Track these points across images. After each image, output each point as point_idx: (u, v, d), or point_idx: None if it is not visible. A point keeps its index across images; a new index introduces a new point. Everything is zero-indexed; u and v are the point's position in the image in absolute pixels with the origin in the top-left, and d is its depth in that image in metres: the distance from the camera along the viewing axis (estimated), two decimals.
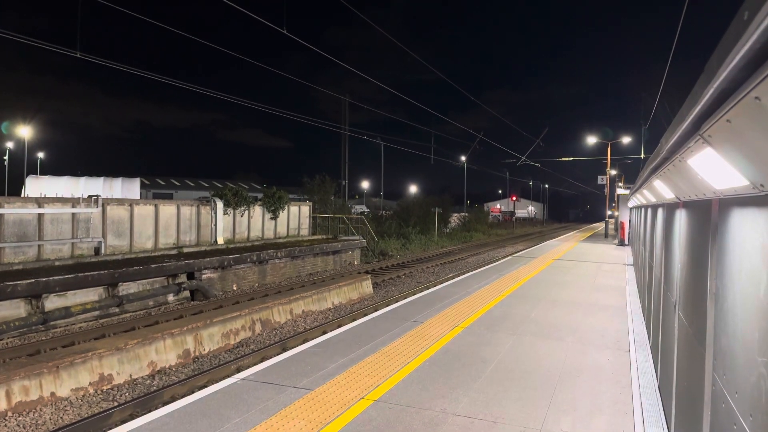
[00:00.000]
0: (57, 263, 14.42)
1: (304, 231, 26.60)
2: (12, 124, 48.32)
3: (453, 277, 18.14)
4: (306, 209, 27.13)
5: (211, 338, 10.77)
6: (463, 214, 57.57)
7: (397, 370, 6.59)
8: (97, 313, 12.90)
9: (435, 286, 15.41)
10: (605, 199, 43.50)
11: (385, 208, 53.29)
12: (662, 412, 5.47)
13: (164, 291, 14.87)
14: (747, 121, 1.56)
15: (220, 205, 20.69)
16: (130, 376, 8.87)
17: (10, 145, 52.19)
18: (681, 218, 4.53)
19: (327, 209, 32.91)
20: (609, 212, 42.22)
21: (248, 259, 18.09)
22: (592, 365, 7.02)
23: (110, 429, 5.72)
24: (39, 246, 14.66)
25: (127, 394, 8.32)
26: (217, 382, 6.71)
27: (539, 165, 53.30)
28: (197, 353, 10.31)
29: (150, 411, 6.28)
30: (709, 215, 3.03)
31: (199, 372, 9.26)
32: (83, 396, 8.03)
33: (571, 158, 49.94)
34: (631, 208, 25.00)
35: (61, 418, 7.33)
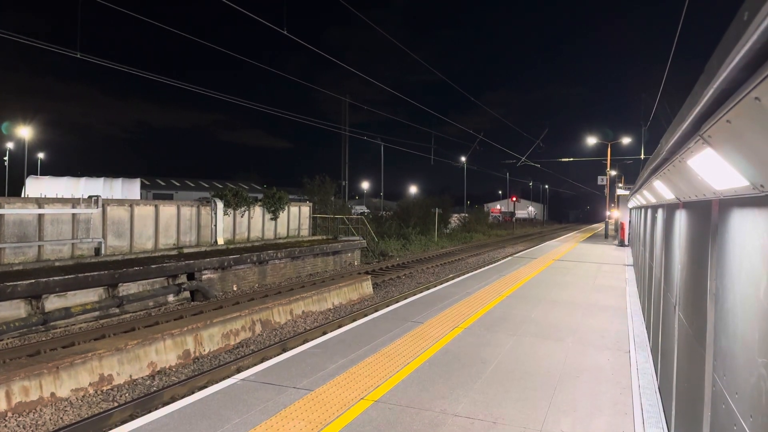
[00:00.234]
0: (57, 264, 14.42)
1: (304, 231, 26.60)
2: (12, 124, 48.34)
3: (453, 278, 18.14)
4: (306, 210, 27.13)
5: (211, 339, 10.77)
6: (463, 214, 57.57)
7: (397, 371, 6.58)
8: (97, 313, 12.90)
9: (435, 286, 15.41)
10: (605, 200, 43.49)
11: (385, 208, 53.30)
12: (662, 413, 5.47)
13: (164, 291, 14.87)
14: (747, 121, 1.56)
15: (220, 205, 20.70)
16: (130, 376, 8.87)
17: (10, 145, 52.21)
18: (681, 219, 4.53)
19: (327, 210, 32.91)
20: (608, 213, 42.23)
21: (248, 260, 18.09)
22: (592, 366, 7.02)
23: (110, 429, 5.72)
24: (39, 246, 14.66)
25: (127, 395, 8.32)
26: (217, 382, 6.71)
27: (539, 166, 53.33)
28: (197, 354, 10.30)
29: (150, 411, 6.27)
30: (709, 216, 3.03)
31: (199, 372, 9.26)
32: (83, 396, 8.03)
33: (571, 159, 49.97)
34: (631, 209, 25.00)
35: (61, 418, 7.33)
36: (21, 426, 6.97)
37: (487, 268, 18.70)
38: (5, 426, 6.89)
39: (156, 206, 18.25)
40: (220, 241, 20.61)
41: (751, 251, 2.07)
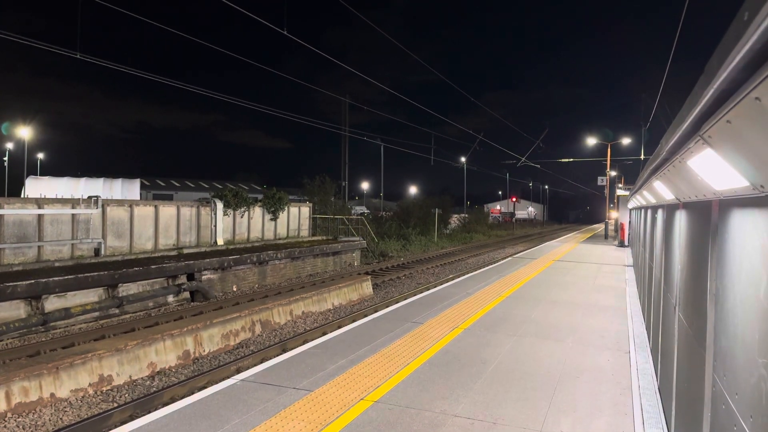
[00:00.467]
0: (57, 264, 14.42)
1: (304, 232, 26.60)
2: (12, 124, 48.36)
3: (453, 278, 18.14)
4: (306, 210, 27.13)
5: (211, 339, 10.76)
6: (463, 215, 57.59)
7: (396, 371, 6.58)
8: (96, 314, 12.89)
9: (435, 287, 15.40)
10: (605, 201, 43.50)
11: (385, 209, 53.32)
12: (662, 414, 5.47)
13: (164, 292, 14.87)
14: (747, 121, 1.56)
15: (220, 206, 20.70)
16: (130, 377, 8.86)
17: (10, 145, 52.22)
18: (681, 219, 4.53)
19: (327, 210, 32.90)
20: (607, 213, 42.27)
21: (248, 260, 18.09)
22: (592, 366, 7.02)
23: (110, 430, 5.72)
24: (39, 247, 14.66)
25: (126, 395, 8.31)
26: (217, 383, 6.70)
27: (539, 166, 53.39)
28: (197, 354, 10.30)
29: (150, 412, 6.27)
30: (709, 216, 3.03)
31: (199, 373, 9.26)
32: (83, 397, 8.03)
33: (571, 159, 49.99)
34: (631, 210, 25.00)
35: (61, 419, 7.33)
36: (20, 427, 6.97)
37: (487, 268, 18.70)
38: (5, 427, 6.88)
39: (156, 207, 18.25)
40: (220, 241, 20.61)
41: (751, 252, 2.07)
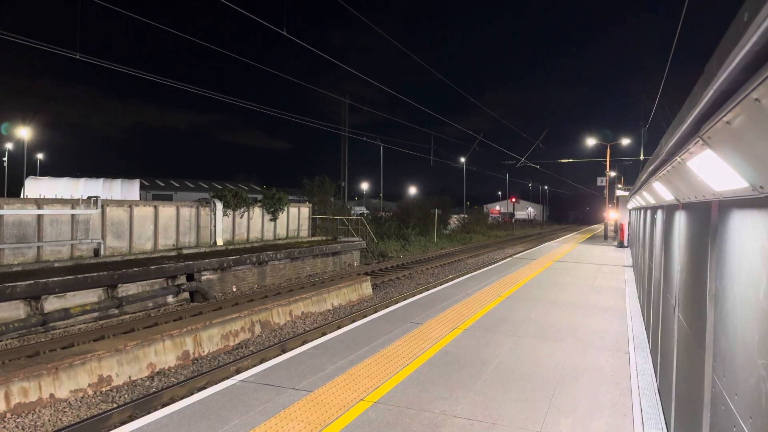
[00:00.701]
0: (56, 264, 14.41)
1: (304, 232, 26.60)
2: (11, 125, 48.33)
3: (452, 279, 18.14)
4: (305, 211, 27.13)
5: (211, 340, 10.76)
6: (462, 215, 57.59)
7: (396, 372, 6.58)
8: (96, 314, 12.88)
9: (434, 287, 15.40)
10: (605, 201, 43.51)
11: (385, 209, 53.31)
12: (662, 414, 5.47)
13: (164, 292, 14.86)
14: (747, 122, 1.56)
15: (219, 206, 20.69)
16: (130, 377, 8.86)
17: (9, 146, 52.20)
18: (680, 220, 4.53)
19: (326, 210, 32.90)
20: (605, 214, 42.28)
21: (248, 261, 18.08)
22: (592, 367, 7.02)
23: (109, 431, 5.72)
24: (38, 247, 14.65)
25: (126, 396, 8.31)
26: (216, 383, 6.70)
27: (538, 167, 53.31)
28: (196, 355, 10.30)
29: (149, 412, 6.26)
30: (708, 217, 3.03)
31: (199, 373, 9.25)
32: (82, 397, 8.02)
33: (571, 160, 49.99)
34: (630, 210, 25.01)
35: (60, 419, 7.32)
36: (20, 427, 6.96)
37: (486, 269, 18.70)
38: (4, 427, 6.88)
39: (155, 207, 18.24)
40: (220, 241, 20.61)
41: (751, 252, 2.07)
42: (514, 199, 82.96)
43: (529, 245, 38.92)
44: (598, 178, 43.40)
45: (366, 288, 17.59)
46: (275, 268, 19.77)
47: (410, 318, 9.63)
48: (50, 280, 12.06)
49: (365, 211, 49.72)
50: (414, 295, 13.99)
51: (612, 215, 38.96)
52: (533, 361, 7.21)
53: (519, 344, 8.02)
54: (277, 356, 7.54)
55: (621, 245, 29.96)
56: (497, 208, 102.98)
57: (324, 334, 10.45)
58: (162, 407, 6.18)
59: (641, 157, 37.51)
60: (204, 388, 7.62)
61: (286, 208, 24.60)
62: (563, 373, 6.69)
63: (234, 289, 17.58)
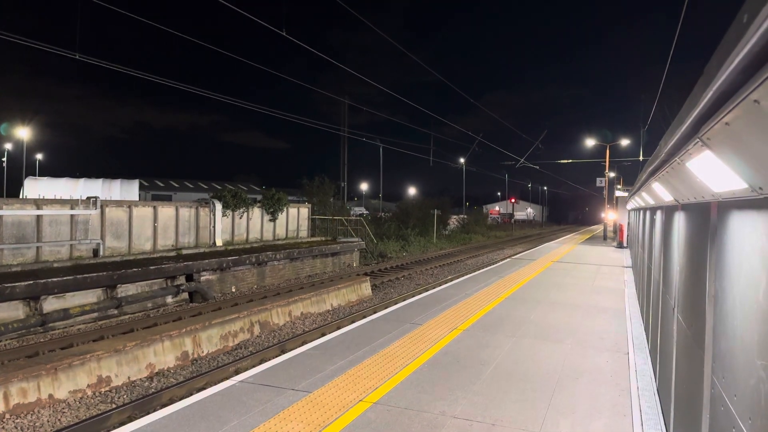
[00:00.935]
0: (55, 265, 14.40)
1: (303, 233, 26.59)
2: (11, 125, 48.32)
3: (452, 279, 18.14)
4: (305, 211, 27.13)
5: (210, 340, 10.75)
6: (462, 216, 57.56)
7: (395, 373, 6.58)
8: (95, 314, 12.88)
9: (434, 288, 15.40)
10: (604, 202, 43.52)
11: (384, 209, 53.32)
12: (661, 415, 5.47)
13: (163, 293, 14.86)
14: (746, 123, 1.56)
15: (218, 206, 20.68)
16: (129, 378, 8.85)
17: (8, 146, 52.18)
18: (679, 221, 4.54)
19: (326, 211, 32.90)
20: (603, 215, 42.30)
21: (247, 261, 18.08)
22: (591, 367, 7.02)
23: (108, 431, 5.71)
24: (37, 247, 14.64)
25: (125, 396, 8.30)
26: (215, 384, 6.69)
27: (538, 167, 53.34)
28: (196, 355, 10.29)
29: (148, 413, 6.26)
30: (707, 218, 3.03)
31: (198, 374, 9.25)
32: (81, 398, 8.01)
33: (570, 160, 50.04)
34: (629, 211, 25.02)
35: (59, 420, 7.32)
36: (19, 428, 6.96)
37: (486, 269, 18.70)
38: (3, 428, 6.87)
39: (154, 207, 18.24)
40: (219, 242, 20.60)
41: (750, 253, 2.07)
42: (513, 200, 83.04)
43: (528, 246, 38.93)
44: (598, 179, 43.46)
45: (365, 288, 17.59)
46: (274, 269, 19.77)
47: (410, 318, 9.63)
48: (49, 280, 12.05)
49: (365, 212, 49.74)
50: (413, 296, 13.99)
51: (611, 216, 38.99)
52: (533, 361, 7.21)
53: (518, 345, 8.02)
54: (277, 357, 7.53)
55: (620, 246, 29.97)
56: (497, 208, 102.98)
57: (323, 334, 10.44)
58: (161, 408, 6.17)
59: (640, 158, 37.53)
60: (203, 388, 7.61)
61: (285, 209, 24.60)
62: (563, 374, 6.69)
63: (233, 290, 17.57)
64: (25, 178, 26.29)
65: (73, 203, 15.78)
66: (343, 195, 42.06)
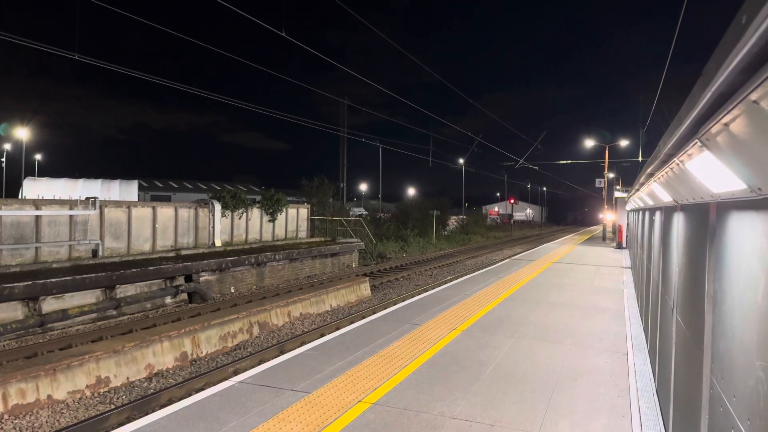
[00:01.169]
0: (54, 265, 14.39)
1: (302, 233, 26.59)
2: (10, 125, 48.28)
3: (451, 280, 18.13)
4: (304, 212, 27.12)
5: (209, 341, 10.74)
6: (461, 216, 57.56)
7: (394, 373, 6.58)
8: (94, 315, 12.86)
9: (433, 288, 15.39)
10: (603, 203, 43.53)
11: (384, 210, 53.28)
12: (660, 416, 5.47)
13: (162, 293, 14.85)
14: (745, 124, 1.56)
15: (218, 207, 20.68)
16: (128, 378, 8.84)
17: (7, 146, 52.15)
18: (678, 221, 4.54)
19: (325, 212, 32.90)
20: (601, 215, 42.32)
21: (246, 262, 18.07)
22: (591, 368, 7.02)
23: None
24: (36, 248, 14.62)
25: (124, 397, 8.29)
26: (214, 384, 6.68)
27: (537, 168, 53.35)
28: (195, 356, 10.28)
29: (147, 414, 6.25)
30: (706, 219, 3.03)
31: (197, 375, 9.24)
32: (80, 399, 8.00)
33: (569, 161, 50.08)
34: (628, 211, 25.03)
35: (58, 421, 7.31)
36: (17, 428, 6.95)
37: (485, 270, 18.70)
38: (2, 429, 6.86)
39: (154, 208, 18.23)
40: (218, 242, 20.59)
41: (749, 254, 2.07)
42: (512, 201, 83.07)
43: (527, 246, 38.94)
44: (597, 180, 43.44)
45: (365, 289, 17.58)
46: (274, 269, 19.76)
47: (409, 319, 9.63)
48: (48, 281, 12.04)
49: (364, 212, 49.71)
50: (413, 297, 13.99)
51: (610, 217, 39.00)
52: (532, 362, 7.21)
53: (518, 345, 8.02)
54: (276, 357, 7.53)
55: (619, 246, 29.98)
56: (496, 209, 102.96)
57: (322, 335, 10.44)
58: (160, 408, 6.17)
59: (640, 159, 37.54)
60: (202, 389, 7.61)
61: (284, 209, 24.59)
62: (562, 375, 6.69)
63: (232, 290, 17.56)
64: (24, 178, 26.27)
65: (72, 204, 15.77)
66: (343, 195, 42.06)
